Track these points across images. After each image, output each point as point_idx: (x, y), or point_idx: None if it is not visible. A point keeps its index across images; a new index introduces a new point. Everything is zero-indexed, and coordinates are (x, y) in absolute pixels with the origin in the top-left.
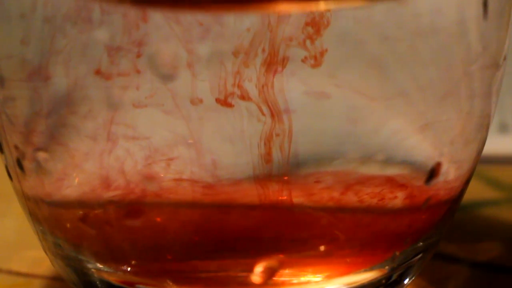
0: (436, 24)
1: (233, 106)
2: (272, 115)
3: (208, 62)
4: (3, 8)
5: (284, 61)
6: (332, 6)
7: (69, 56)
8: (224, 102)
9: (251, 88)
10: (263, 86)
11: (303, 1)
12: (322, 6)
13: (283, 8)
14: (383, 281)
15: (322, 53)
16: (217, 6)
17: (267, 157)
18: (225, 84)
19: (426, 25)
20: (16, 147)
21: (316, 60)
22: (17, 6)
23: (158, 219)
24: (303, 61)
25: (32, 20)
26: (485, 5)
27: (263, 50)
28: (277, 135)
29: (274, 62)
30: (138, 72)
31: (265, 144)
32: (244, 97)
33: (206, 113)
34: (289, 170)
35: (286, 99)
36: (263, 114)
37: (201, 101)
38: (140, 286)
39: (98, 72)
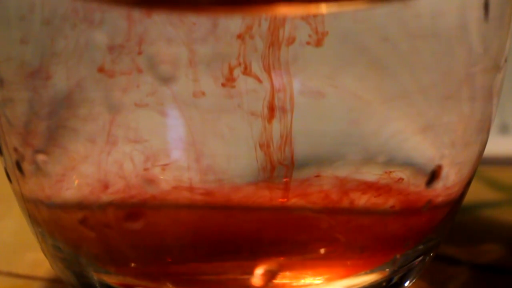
0: (437, 26)
1: (235, 87)
2: (272, 84)
3: (211, 51)
4: (2, 9)
5: (289, 40)
6: (333, 9)
7: (69, 57)
8: (230, 77)
9: (256, 59)
10: (269, 48)
11: (304, 3)
12: (323, 9)
13: (283, 10)
14: (384, 283)
15: (323, 34)
16: (216, 9)
17: (270, 119)
18: (229, 64)
19: (427, 27)
20: (16, 149)
21: (318, 37)
22: (16, 8)
23: (158, 222)
24: (308, 43)
25: (31, 21)
26: (486, 7)
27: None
28: (279, 91)
29: (277, 30)
30: (140, 71)
31: (268, 109)
32: (246, 67)
33: (207, 115)
34: (289, 172)
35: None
36: (259, 82)
37: (203, 93)
38: None
39: (101, 70)
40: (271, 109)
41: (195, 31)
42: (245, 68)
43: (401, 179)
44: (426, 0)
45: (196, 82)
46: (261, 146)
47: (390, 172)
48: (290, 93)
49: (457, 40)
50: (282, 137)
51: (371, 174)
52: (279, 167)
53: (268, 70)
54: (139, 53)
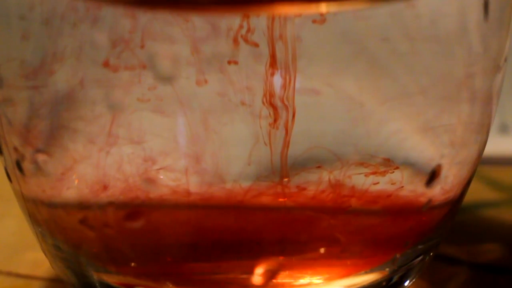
0: (436, 26)
1: (238, 63)
2: (272, 54)
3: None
4: (2, 9)
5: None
6: (333, 8)
7: (69, 56)
8: (235, 45)
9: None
10: (272, 21)
11: (304, 3)
12: (323, 8)
13: (283, 10)
14: (384, 283)
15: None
16: (216, 9)
17: (272, 74)
18: (234, 32)
19: (427, 27)
20: (16, 149)
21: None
22: (16, 7)
23: (158, 222)
24: (314, 21)
25: (31, 20)
26: (485, 6)
27: None
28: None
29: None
30: (143, 66)
31: (270, 66)
32: (249, 30)
33: (207, 115)
34: (289, 172)
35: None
36: (256, 46)
37: (206, 81)
38: None
39: (106, 65)
40: (272, 67)
41: (195, 27)
42: (248, 30)
43: (401, 178)
44: (425, 0)
45: (199, 71)
46: (264, 95)
47: (390, 171)
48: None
49: (456, 40)
50: (285, 84)
51: (371, 174)
52: (279, 166)
53: (271, 30)
54: (142, 46)
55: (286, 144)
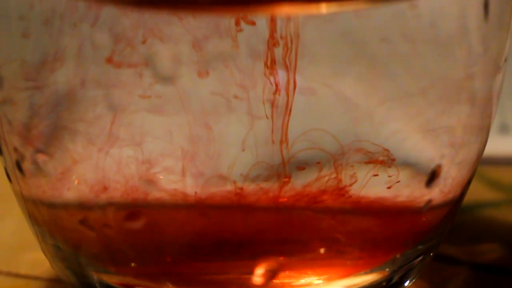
0: (436, 26)
1: (239, 47)
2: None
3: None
4: (1, 9)
5: None
6: (333, 8)
7: (69, 56)
8: (236, 22)
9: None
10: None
11: (304, 3)
12: (323, 9)
13: (284, 10)
14: (384, 283)
15: None
16: (216, 9)
17: (272, 47)
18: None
19: (427, 27)
20: (16, 149)
21: None
22: (15, 7)
23: (158, 222)
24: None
25: (31, 20)
26: (486, 6)
27: None
28: (281, 40)
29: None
30: (146, 64)
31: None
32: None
33: (206, 115)
34: (289, 172)
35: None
36: (253, 24)
37: (207, 73)
38: None
39: (109, 60)
40: (273, 38)
41: (194, 23)
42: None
43: (403, 187)
44: (426, 0)
45: (200, 65)
46: (265, 63)
47: (390, 171)
48: (291, 87)
49: (457, 41)
50: (286, 43)
51: (371, 174)
52: (279, 167)
53: (273, 30)
54: (143, 42)
55: (288, 111)
